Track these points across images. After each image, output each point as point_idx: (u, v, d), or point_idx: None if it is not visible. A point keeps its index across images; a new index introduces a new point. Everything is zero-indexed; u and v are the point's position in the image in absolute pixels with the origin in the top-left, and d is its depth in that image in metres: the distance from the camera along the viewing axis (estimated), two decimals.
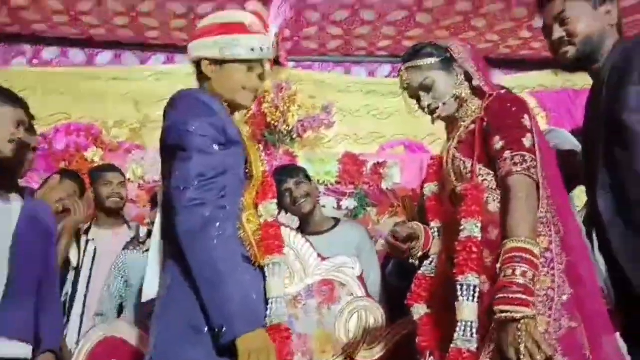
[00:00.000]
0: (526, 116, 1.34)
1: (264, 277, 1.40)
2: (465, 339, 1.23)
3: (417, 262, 1.55)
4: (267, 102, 3.26)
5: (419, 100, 1.53)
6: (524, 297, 1.13)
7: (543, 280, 1.19)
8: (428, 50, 1.52)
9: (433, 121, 1.58)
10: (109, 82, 3.38)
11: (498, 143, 1.32)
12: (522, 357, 1.10)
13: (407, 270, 1.90)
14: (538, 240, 1.20)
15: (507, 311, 1.13)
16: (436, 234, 1.54)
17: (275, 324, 1.36)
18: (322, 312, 1.98)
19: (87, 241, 2.48)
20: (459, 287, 1.28)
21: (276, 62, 3.71)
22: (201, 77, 1.50)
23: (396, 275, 2.28)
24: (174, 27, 3.42)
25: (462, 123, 1.49)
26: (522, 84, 3.98)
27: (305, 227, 2.43)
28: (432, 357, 1.45)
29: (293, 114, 3.29)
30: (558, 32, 1.41)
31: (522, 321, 1.11)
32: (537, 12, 1.52)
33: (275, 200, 1.46)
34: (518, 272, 1.14)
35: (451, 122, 1.54)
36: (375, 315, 1.97)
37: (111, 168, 2.70)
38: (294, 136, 3.30)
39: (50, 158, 3.05)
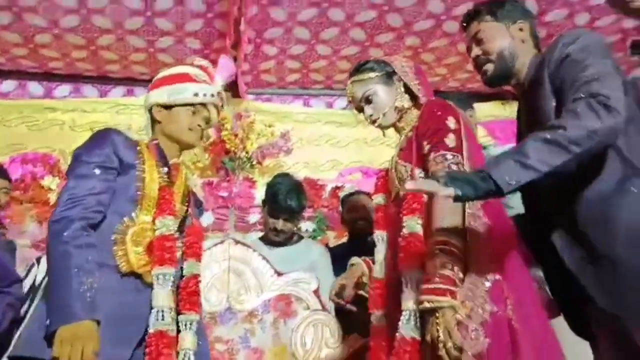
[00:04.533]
0: (450, 118, 1.44)
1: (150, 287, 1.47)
2: (409, 326, 1.29)
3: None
4: (227, 129, 3.33)
5: (362, 111, 1.63)
6: (444, 286, 1.20)
7: (471, 266, 1.25)
8: (370, 65, 1.63)
9: (383, 133, 1.69)
10: (68, 114, 3.38)
11: (426, 146, 1.43)
12: (437, 344, 1.17)
13: None
14: (469, 230, 1.28)
15: (428, 301, 1.21)
16: (382, 240, 1.60)
17: (157, 330, 1.43)
18: (278, 326, 2.01)
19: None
20: (403, 279, 1.34)
21: (235, 95, 3.82)
22: (153, 122, 1.69)
23: None
24: (133, 61, 3.48)
25: (403, 132, 1.59)
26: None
27: (270, 237, 2.44)
28: None
29: (252, 142, 3.37)
30: (475, 51, 1.54)
31: (440, 310, 1.19)
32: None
33: (172, 217, 1.53)
34: (439, 263, 1.23)
35: (397, 132, 1.64)
36: (331, 327, 2.01)
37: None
38: (254, 163, 3.36)
39: None
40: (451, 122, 1.43)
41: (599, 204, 1.23)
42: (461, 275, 1.24)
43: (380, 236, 1.59)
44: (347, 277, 1.67)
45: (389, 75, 1.61)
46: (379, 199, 1.66)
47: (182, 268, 1.61)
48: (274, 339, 1.97)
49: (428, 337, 1.21)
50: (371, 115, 1.60)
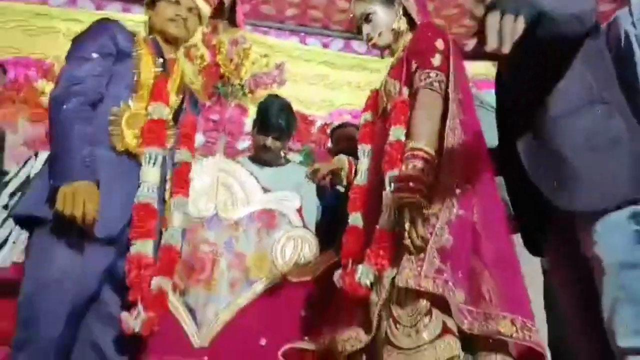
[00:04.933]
0: (440, 40, 1.53)
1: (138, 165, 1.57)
2: (386, 220, 1.42)
3: (343, 189, 1.76)
4: (222, 54, 3.35)
5: (360, 30, 1.70)
6: (416, 186, 1.33)
7: (444, 173, 1.38)
8: None
9: (382, 55, 1.77)
10: (63, 23, 3.35)
11: (413, 65, 1.53)
12: (405, 235, 1.31)
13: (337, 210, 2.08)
14: (446, 141, 1.40)
15: (399, 197, 1.34)
16: (366, 153, 1.70)
17: (143, 201, 1.53)
18: (261, 235, 2.12)
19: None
20: (386, 179, 1.46)
21: (232, 23, 3.81)
22: (147, 20, 1.77)
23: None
24: None
25: (396, 52, 1.67)
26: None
27: (258, 157, 2.53)
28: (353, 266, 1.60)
29: (246, 69, 3.41)
30: (364, 30, 1.65)
31: (409, 206, 1.33)
32: None
33: (164, 104, 1.63)
34: (410, 166, 1.36)
35: (391, 54, 1.71)
36: (310, 243, 2.13)
37: None
38: (246, 91, 3.41)
39: None
40: (439, 43, 1.52)
41: (565, 117, 1.34)
42: (430, 178, 1.37)
43: (363, 149, 1.70)
44: (324, 165, 1.83)
45: None
46: (367, 115, 1.75)
47: (174, 156, 1.70)
48: (256, 247, 2.09)
49: (397, 230, 1.35)
50: (368, 34, 1.68)
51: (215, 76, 3.36)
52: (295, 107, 3.62)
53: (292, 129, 2.54)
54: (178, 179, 1.69)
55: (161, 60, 1.68)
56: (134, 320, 1.45)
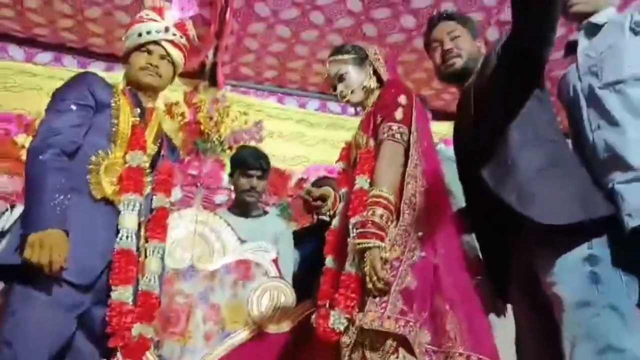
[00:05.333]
0: (403, 96, 1.65)
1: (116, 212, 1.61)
2: (352, 265, 1.49)
3: (327, 218, 1.82)
4: (203, 112, 3.47)
5: (335, 89, 1.82)
6: (373, 230, 1.42)
7: (405, 218, 1.47)
8: (347, 48, 1.85)
9: (355, 109, 1.90)
10: (47, 80, 3.43)
11: (378, 119, 1.65)
12: (366, 279, 1.38)
13: (314, 261, 2.13)
14: (406, 188, 1.50)
15: (359, 243, 1.43)
16: (343, 198, 1.77)
17: (122, 248, 1.56)
18: (237, 287, 2.14)
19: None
20: (350, 225, 1.53)
21: (213, 83, 3.95)
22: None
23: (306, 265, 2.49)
24: (118, 37, 3.57)
25: (367, 108, 1.79)
26: (435, 131, 4.46)
27: (237, 207, 2.60)
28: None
29: (226, 126, 3.52)
30: (449, 45, 1.78)
31: (369, 250, 1.40)
32: (427, 32, 1.88)
33: (142, 152, 1.68)
34: (370, 212, 1.45)
35: (363, 109, 1.84)
36: (286, 294, 2.15)
37: None
38: (225, 147, 3.50)
39: None
40: (402, 99, 1.64)
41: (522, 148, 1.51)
42: (390, 223, 1.46)
43: (341, 193, 1.79)
44: (315, 188, 1.94)
45: (362, 59, 1.81)
46: (342, 164, 1.86)
47: (151, 202, 1.74)
48: (232, 298, 2.10)
49: (359, 273, 1.41)
50: (342, 92, 1.80)
51: (195, 133, 3.46)
52: (273, 162, 3.73)
53: (269, 169, 2.64)
54: (155, 224, 1.72)
55: (138, 110, 1.74)
56: None
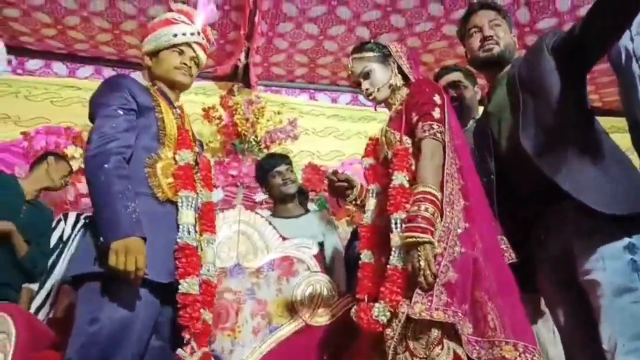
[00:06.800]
0: (437, 95, 1.68)
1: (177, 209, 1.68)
2: (398, 259, 1.52)
3: (352, 205, 1.95)
4: (239, 114, 3.56)
5: (359, 86, 1.86)
6: (424, 226, 1.45)
7: (446, 216, 1.49)
8: (370, 45, 1.86)
9: (375, 107, 1.93)
10: (89, 93, 3.57)
11: (414, 117, 1.66)
12: (418, 272, 1.42)
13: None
14: (445, 186, 1.53)
15: (411, 237, 1.45)
16: (373, 193, 1.81)
17: (185, 243, 1.63)
18: (281, 282, 2.22)
19: (84, 224, 2.67)
20: (392, 221, 1.57)
21: (246, 85, 4.03)
22: (147, 70, 1.88)
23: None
24: None
25: (393, 106, 1.82)
26: None
27: (279, 211, 2.68)
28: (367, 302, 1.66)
29: (262, 126, 3.61)
30: (489, 32, 1.81)
31: (421, 245, 1.43)
32: (466, 18, 1.91)
33: (189, 150, 1.75)
34: (422, 208, 1.47)
35: (388, 107, 1.87)
36: (328, 288, 2.22)
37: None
38: (262, 146, 3.59)
39: (30, 155, 3.22)
40: (437, 98, 1.67)
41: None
42: (438, 219, 1.49)
43: (371, 189, 1.82)
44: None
45: (386, 57, 1.84)
46: (370, 160, 1.89)
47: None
48: (277, 293, 2.18)
49: (409, 267, 1.45)
50: (367, 89, 1.82)
51: (232, 135, 3.56)
52: (308, 159, 3.83)
53: (290, 159, 2.78)
54: (205, 218, 1.78)
55: (178, 110, 1.83)
56: (191, 357, 1.53)
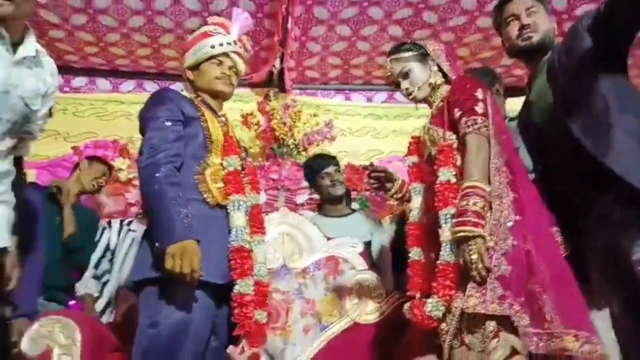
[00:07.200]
0: (479, 89, 1.67)
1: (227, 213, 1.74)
2: (449, 254, 1.52)
3: (393, 200, 1.96)
4: (276, 118, 3.62)
5: (398, 86, 1.87)
6: (475, 220, 1.45)
7: (495, 209, 1.49)
8: (407, 46, 1.87)
9: (416, 105, 1.94)
10: (133, 106, 3.72)
11: (457, 113, 1.66)
12: (470, 266, 1.41)
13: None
14: (493, 180, 1.52)
15: (462, 231, 1.45)
16: (418, 192, 1.83)
17: (237, 246, 1.69)
18: (328, 281, 2.25)
19: (128, 230, 2.83)
20: (441, 216, 1.57)
21: (282, 89, 4.10)
22: (190, 83, 1.95)
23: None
24: None
25: (434, 104, 1.82)
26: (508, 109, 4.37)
27: (327, 211, 2.73)
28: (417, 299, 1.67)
29: (299, 129, 3.66)
30: (526, 20, 1.80)
31: (472, 239, 1.43)
32: (500, 7, 1.89)
33: (236, 156, 1.81)
34: (471, 202, 1.47)
35: (429, 105, 1.87)
36: (376, 285, 2.23)
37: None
38: (300, 149, 3.64)
39: None
40: (479, 93, 1.66)
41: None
42: (488, 213, 1.48)
43: (414, 188, 1.83)
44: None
45: (423, 56, 1.84)
46: (413, 159, 1.90)
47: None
48: (325, 292, 2.21)
49: (461, 261, 1.45)
50: (407, 89, 1.84)
51: (271, 139, 3.63)
52: (347, 159, 3.85)
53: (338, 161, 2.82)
54: (254, 220, 1.85)
55: (222, 119, 1.90)
56: (240, 356, 1.59)
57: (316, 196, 2.99)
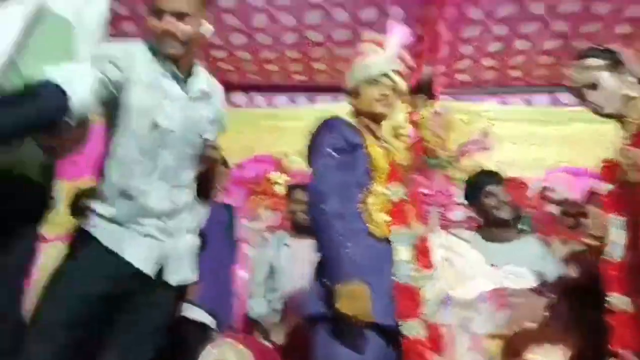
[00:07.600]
0: None
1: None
2: None
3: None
4: (426, 128, 3.48)
5: (583, 98, 1.63)
6: None
7: None
8: (597, 52, 1.64)
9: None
10: (286, 121, 3.86)
11: None
12: None
13: None
14: None
15: None
16: (618, 225, 1.58)
17: (403, 282, 1.61)
18: (496, 316, 2.06)
19: (283, 245, 2.94)
20: None
21: (430, 97, 3.94)
22: (352, 107, 1.93)
23: None
24: (340, 70, 3.82)
25: (632, 120, 1.55)
26: None
27: (489, 234, 2.52)
28: None
29: (451, 139, 3.47)
30: None
31: None
32: None
33: (401, 184, 1.74)
34: None
35: (620, 121, 1.60)
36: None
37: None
38: (452, 161, 3.46)
39: (242, 183, 3.60)
40: None
41: None
42: None
43: (614, 221, 1.58)
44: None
45: (617, 63, 1.59)
46: (609, 186, 1.65)
47: None
48: (493, 327, 2.04)
49: None
50: (592, 102, 1.60)
51: (421, 151, 3.49)
52: (505, 170, 3.52)
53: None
54: (421, 253, 1.74)
55: (384, 144, 1.84)
56: None
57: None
